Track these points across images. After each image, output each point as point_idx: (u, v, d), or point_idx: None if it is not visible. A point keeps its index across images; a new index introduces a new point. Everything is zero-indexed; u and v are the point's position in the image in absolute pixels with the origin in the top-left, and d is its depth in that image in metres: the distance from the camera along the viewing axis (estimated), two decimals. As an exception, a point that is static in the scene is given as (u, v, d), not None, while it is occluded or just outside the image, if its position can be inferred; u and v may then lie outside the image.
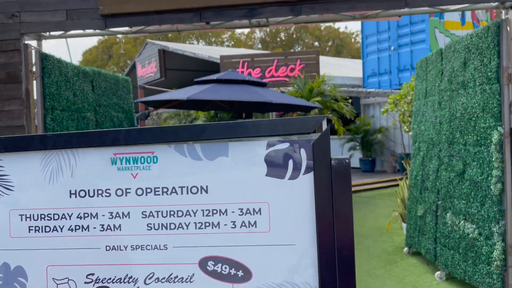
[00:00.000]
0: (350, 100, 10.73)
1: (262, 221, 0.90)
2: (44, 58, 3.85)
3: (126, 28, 3.91)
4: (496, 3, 3.39)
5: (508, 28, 3.30)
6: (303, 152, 0.86)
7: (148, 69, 20.88)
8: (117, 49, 37.38)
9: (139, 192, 0.94)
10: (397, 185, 11.06)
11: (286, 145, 0.87)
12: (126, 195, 0.94)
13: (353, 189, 10.28)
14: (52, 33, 3.94)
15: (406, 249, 5.33)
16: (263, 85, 6.83)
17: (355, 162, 13.81)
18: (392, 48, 13.19)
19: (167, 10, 3.52)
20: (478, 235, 3.64)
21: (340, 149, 13.53)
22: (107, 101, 5.06)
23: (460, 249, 3.88)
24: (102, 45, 39.86)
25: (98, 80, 4.91)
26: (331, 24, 46.16)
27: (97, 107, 4.83)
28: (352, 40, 45.91)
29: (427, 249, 4.63)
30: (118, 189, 0.95)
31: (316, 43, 44.80)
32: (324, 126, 0.84)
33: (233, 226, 0.91)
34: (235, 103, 7.02)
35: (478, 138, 3.62)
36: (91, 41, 66.22)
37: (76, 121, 4.33)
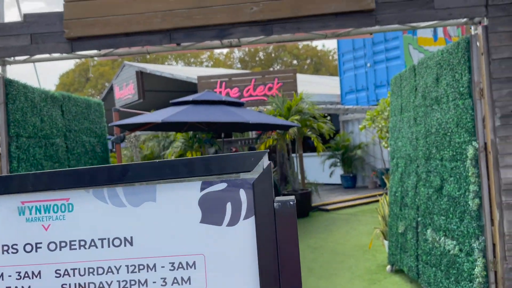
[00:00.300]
0: (328, 117, 10.78)
1: (197, 277, 0.77)
2: (8, 84, 3.70)
3: (95, 51, 3.80)
4: (465, 19, 3.43)
5: (477, 44, 3.33)
6: (242, 193, 0.75)
7: (126, 91, 20.69)
8: (94, 72, 37.09)
9: (52, 246, 0.81)
10: (378, 201, 11.10)
11: (223, 186, 0.77)
12: (36, 251, 0.81)
13: (335, 206, 10.23)
14: (17, 58, 3.80)
15: (389, 267, 5.25)
16: (240, 105, 6.78)
17: (336, 179, 13.81)
18: (368, 64, 13.40)
19: (136, 32, 3.44)
20: (459, 252, 3.59)
21: (321, 166, 13.53)
22: (78, 126, 4.91)
23: (442, 266, 3.82)
24: (79, 68, 39.48)
25: (68, 105, 4.76)
26: (308, 42, 46.98)
27: (67, 133, 4.66)
28: (330, 57, 46.71)
29: (409, 266, 4.56)
30: (27, 244, 0.81)
31: (295, 62, 45.39)
32: (265, 163, 0.74)
33: (164, 283, 0.79)
34: (213, 124, 6.93)
35: (454, 153, 3.61)
36: (68, 65, 65.64)
37: (44, 148, 4.16)
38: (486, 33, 3.30)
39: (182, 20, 3.35)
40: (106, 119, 5.75)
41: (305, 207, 9.60)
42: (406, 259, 4.64)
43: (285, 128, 8.06)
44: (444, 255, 3.81)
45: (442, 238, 3.82)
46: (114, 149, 7.36)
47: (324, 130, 9.82)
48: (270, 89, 10.39)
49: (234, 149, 12.70)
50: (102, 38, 3.48)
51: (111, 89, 22.23)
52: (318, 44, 55.22)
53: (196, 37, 3.42)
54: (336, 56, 45.62)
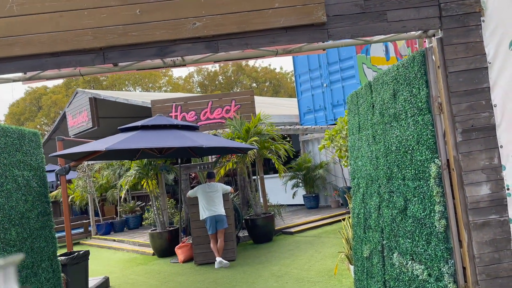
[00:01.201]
0: (288, 138, 10.61)
1: None
2: None
3: (19, 75, 3.37)
4: (419, 32, 3.30)
5: (433, 57, 3.20)
6: None
7: (79, 119, 19.81)
8: (46, 100, 35.61)
9: None
10: (342, 220, 10.93)
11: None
12: None
13: (299, 228, 9.95)
14: None
15: (356, 293, 4.97)
16: (194, 128, 6.43)
17: (299, 200, 13.59)
18: (325, 85, 13.48)
19: (64, 52, 3.05)
20: (428, 277, 3.36)
21: (284, 187, 13.29)
22: (8, 159, 4.37)
23: (412, 293, 3.58)
24: (30, 97, 37.79)
25: (-4, 135, 4.24)
26: (266, 64, 47.63)
27: (-7, 167, 4.12)
28: (288, 79, 47.41)
29: (377, 293, 4.30)
30: None
31: (254, 84, 45.69)
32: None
33: None
34: (166, 150, 6.52)
35: (416, 172, 3.42)
36: (18, 93, 62.87)
37: (-37, 186, 3.62)
38: (441, 45, 3.17)
39: (116, 37, 3.01)
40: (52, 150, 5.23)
41: (268, 231, 9.26)
42: (373, 285, 4.38)
43: (244, 151, 7.76)
44: (412, 280, 3.57)
45: (410, 262, 3.60)
46: (58, 182, 6.75)
47: (281, 152, 9.61)
48: (227, 111, 10.12)
49: (193, 175, 12.22)
50: (25, 59, 3.06)
51: (64, 117, 21.23)
52: (276, 66, 56.15)
53: (134, 55, 3.08)
54: (294, 78, 46.52)
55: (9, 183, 4.30)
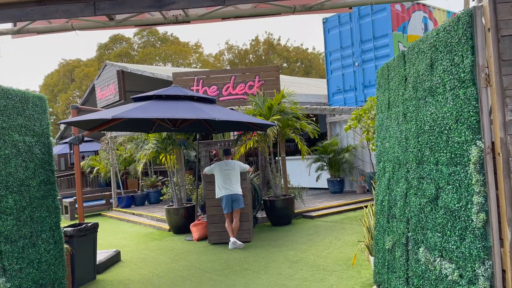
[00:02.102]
0: (314, 118, 10.09)
1: None
2: None
3: (8, 27, 3.04)
4: (465, -13, 2.74)
5: (482, 18, 2.64)
6: None
7: (107, 92, 19.89)
8: (79, 73, 36.15)
9: None
10: (366, 206, 10.42)
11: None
12: None
13: (320, 213, 9.52)
14: None
15: (374, 287, 4.54)
16: (210, 101, 6.05)
17: (323, 183, 13.12)
18: (357, 64, 12.76)
19: (50, 0, 2.69)
20: (459, 278, 2.88)
21: (307, 169, 12.83)
22: (7, 122, 4.13)
23: (438, 295, 3.12)
24: (64, 69, 38.47)
25: (-7, 97, 3.98)
26: (298, 45, 46.41)
27: (-10, 130, 3.89)
28: (321, 60, 46.17)
29: (398, 290, 3.85)
30: None
31: (285, 64, 44.78)
32: None
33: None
34: (180, 122, 6.18)
35: (453, 155, 2.91)
36: (53, 65, 64.44)
37: (-48, 148, 3.38)
38: (493, 4, 2.61)
39: (107, -17, 2.61)
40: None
41: (287, 214, 8.88)
42: (395, 280, 3.93)
43: (263, 128, 7.34)
44: (440, 280, 3.10)
45: (438, 260, 3.12)
46: (72, 152, 6.56)
47: (307, 130, 9.12)
48: (251, 87, 9.67)
49: (214, 152, 11.94)
50: (8, 8, 2.71)
51: (93, 90, 21.38)
52: (309, 46, 54.77)
53: (127, 6, 2.67)
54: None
55: (7, 148, 4.07)
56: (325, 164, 12.84)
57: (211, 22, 3.26)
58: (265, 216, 9.22)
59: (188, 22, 3.00)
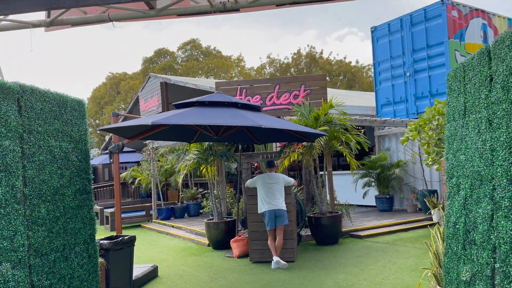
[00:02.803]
0: (362, 130, 9.46)
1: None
2: None
3: (42, 18, 2.77)
4: None
5: None
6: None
7: (150, 103, 20.12)
8: (125, 85, 37.20)
9: None
10: (420, 227, 9.56)
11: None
12: None
13: (369, 232, 8.82)
14: None
15: (445, 324, 3.88)
16: (255, 108, 5.64)
17: (370, 201, 12.34)
18: (408, 74, 12.02)
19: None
20: None
21: (353, 185, 12.12)
22: (43, 126, 3.89)
23: None
24: (110, 82, 39.77)
25: (30, 100, 3.77)
26: (341, 58, 45.62)
27: (25, 134, 3.65)
28: (364, 74, 45.11)
29: (480, 332, 3.20)
30: None
31: (328, 78, 44.12)
32: None
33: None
34: (222, 131, 5.82)
35: None
36: (101, 78, 67.09)
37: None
38: None
39: (147, -38, 2.27)
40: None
41: (334, 232, 8.26)
42: (475, 320, 3.28)
43: (311, 138, 6.84)
44: (545, 328, 2.46)
45: (542, 302, 2.48)
46: (111, 160, 6.35)
47: (352, 144, 8.49)
48: (296, 96, 9.21)
49: (256, 164, 11.52)
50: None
51: (137, 102, 21.73)
52: (352, 59, 53.80)
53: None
54: (370, 73, 43.99)
55: (42, 154, 3.82)
56: (372, 180, 12.08)
57: (262, 10, 2.86)
58: (309, 234, 8.64)
59: (237, 10, 2.61)
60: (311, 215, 8.43)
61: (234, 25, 62.85)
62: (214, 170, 8.94)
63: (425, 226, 9.52)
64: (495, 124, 3.06)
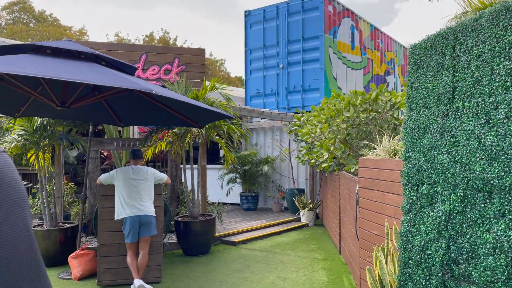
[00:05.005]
0: (242, 121, 8.29)
1: None
2: None
3: None
4: None
5: None
6: None
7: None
8: None
9: None
10: (292, 229, 8.88)
11: None
12: None
13: (242, 237, 7.68)
14: None
15: None
16: (128, 69, 3.81)
17: (234, 198, 11.34)
18: (281, 65, 11.37)
19: None
20: None
21: (219, 182, 10.92)
22: None
23: None
24: None
25: None
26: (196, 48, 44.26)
27: None
28: (217, 68, 44.70)
29: None
30: None
31: (179, 67, 42.21)
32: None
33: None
34: (72, 101, 3.79)
35: None
36: None
37: None
38: None
39: None
40: None
41: (207, 240, 6.86)
42: None
43: (200, 124, 5.27)
44: None
45: None
46: None
47: (235, 136, 7.27)
48: (167, 72, 7.45)
49: (106, 153, 9.31)
50: None
51: None
52: (206, 51, 53.05)
53: None
54: (223, 67, 43.83)
55: None
56: (238, 176, 11.08)
57: None
58: (174, 241, 7.05)
59: None
60: (179, 219, 6.84)
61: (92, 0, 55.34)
62: (49, 158, 6.53)
63: (297, 228, 8.89)
64: (510, 113, 2.08)
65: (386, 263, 3.25)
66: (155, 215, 5.16)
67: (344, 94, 10.74)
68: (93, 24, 54.90)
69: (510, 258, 2.15)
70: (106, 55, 3.58)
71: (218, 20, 65.11)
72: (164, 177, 5.40)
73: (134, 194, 5.03)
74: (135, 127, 8.45)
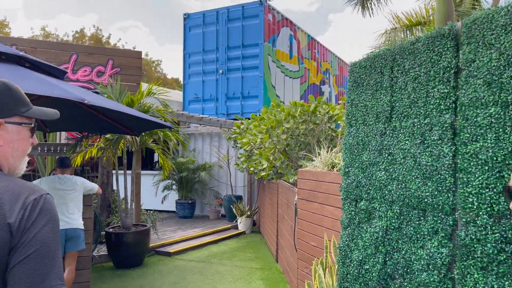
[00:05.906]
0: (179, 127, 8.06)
1: None
2: None
3: None
4: None
5: None
6: None
7: None
8: None
9: None
10: (229, 237, 8.79)
11: None
12: None
13: (178, 248, 7.46)
14: None
15: None
16: (56, 72, 3.50)
17: (170, 205, 11.03)
18: (221, 71, 11.28)
19: None
20: None
21: (154, 188, 10.55)
22: None
23: None
24: None
25: None
26: (130, 48, 42.74)
27: None
28: (153, 68, 43.51)
29: None
30: None
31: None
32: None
33: None
34: None
35: None
36: None
37: None
38: None
39: None
40: None
41: (140, 251, 6.56)
42: None
43: (137, 132, 5.00)
44: None
45: None
46: None
47: (172, 144, 7.05)
48: (100, 74, 7.03)
49: (29, 158, 8.57)
50: None
51: None
52: (142, 51, 51.40)
53: None
54: (159, 68, 42.71)
55: None
56: (174, 182, 10.79)
57: None
58: (105, 253, 6.66)
59: None
60: (111, 230, 6.47)
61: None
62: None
63: (234, 236, 8.81)
64: (466, 135, 2.18)
65: (324, 276, 3.28)
66: (83, 228, 4.81)
67: (282, 102, 10.92)
68: (14, 13, 50.93)
69: (443, 274, 2.24)
70: (31, 56, 3.26)
71: (154, 18, 63.50)
72: (95, 187, 5.07)
73: (60, 205, 4.65)
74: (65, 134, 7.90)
